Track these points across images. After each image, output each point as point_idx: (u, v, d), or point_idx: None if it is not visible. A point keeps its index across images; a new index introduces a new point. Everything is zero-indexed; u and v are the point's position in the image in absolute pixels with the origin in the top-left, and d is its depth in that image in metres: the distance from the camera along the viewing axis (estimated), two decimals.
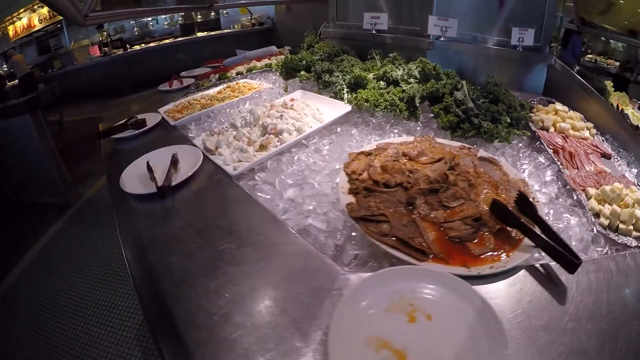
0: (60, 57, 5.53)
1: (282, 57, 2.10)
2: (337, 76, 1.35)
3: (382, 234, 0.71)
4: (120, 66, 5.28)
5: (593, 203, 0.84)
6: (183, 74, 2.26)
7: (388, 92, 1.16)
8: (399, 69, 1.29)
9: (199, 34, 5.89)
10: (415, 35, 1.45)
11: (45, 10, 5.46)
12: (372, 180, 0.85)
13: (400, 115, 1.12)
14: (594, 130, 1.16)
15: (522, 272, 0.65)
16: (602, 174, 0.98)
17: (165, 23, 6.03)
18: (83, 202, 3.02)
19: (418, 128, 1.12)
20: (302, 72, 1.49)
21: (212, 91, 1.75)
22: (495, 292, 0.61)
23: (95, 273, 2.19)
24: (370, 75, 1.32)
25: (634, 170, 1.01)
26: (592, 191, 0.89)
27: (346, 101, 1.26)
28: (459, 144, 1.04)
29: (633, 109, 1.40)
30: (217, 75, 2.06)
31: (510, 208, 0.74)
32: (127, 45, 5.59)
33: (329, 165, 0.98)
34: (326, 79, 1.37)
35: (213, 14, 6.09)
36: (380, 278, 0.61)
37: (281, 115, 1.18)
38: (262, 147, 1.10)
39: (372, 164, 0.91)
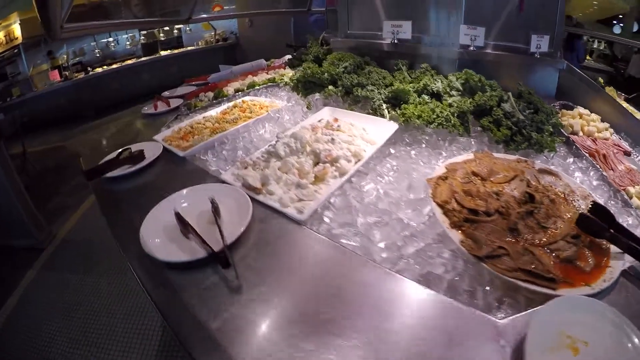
0: (18, 83, 5.25)
1: (285, 70, 2.00)
2: (372, 90, 1.30)
3: (508, 268, 0.69)
4: (84, 90, 5.19)
5: (637, 201, 0.91)
6: (165, 94, 2.11)
7: (438, 107, 1.14)
8: (437, 81, 1.27)
9: (163, 53, 5.93)
10: (439, 45, 1.45)
11: (0, 34, 5.14)
12: (466, 209, 0.81)
13: (454, 131, 1.09)
14: (611, 130, 1.25)
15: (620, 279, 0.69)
16: (633, 172, 1.08)
17: (127, 43, 6.03)
18: (58, 243, 2.70)
19: (473, 143, 1.10)
20: (330, 87, 1.38)
21: (215, 112, 1.60)
22: (611, 303, 0.61)
23: (78, 329, 1.88)
24: (411, 89, 1.25)
25: None
26: (632, 190, 0.98)
27: (388, 118, 1.21)
28: (514, 157, 1.05)
29: (621, 101, 1.67)
30: (207, 94, 1.88)
31: (599, 220, 0.74)
32: (89, 68, 5.50)
33: (404, 194, 0.91)
34: (359, 94, 1.30)
35: (176, 31, 6.14)
36: (541, 319, 0.59)
37: (332, 139, 1.07)
38: (318, 179, 0.97)
39: (454, 189, 0.86)
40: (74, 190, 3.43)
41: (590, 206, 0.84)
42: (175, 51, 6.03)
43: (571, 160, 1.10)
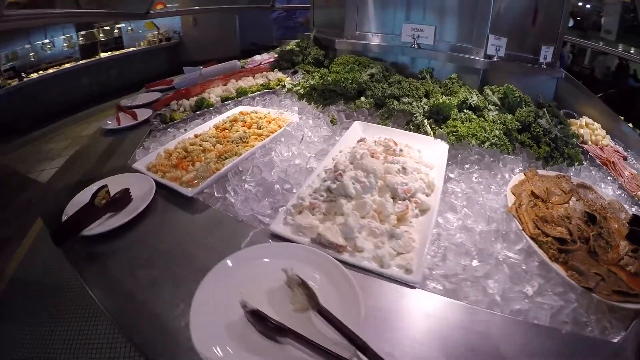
0: None
1: (277, 74, 1.83)
2: (410, 103, 1.24)
3: (608, 292, 0.73)
4: (18, 99, 4.61)
5: None
6: (125, 102, 1.77)
7: (488, 125, 1.15)
8: (473, 95, 1.28)
9: (103, 55, 5.60)
10: (463, 53, 1.45)
11: None
12: (551, 237, 0.84)
13: (504, 150, 1.11)
14: (608, 136, 1.41)
15: None
16: (637, 177, 1.23)
17: (65, 45, 5.53)
18: (6, 284, 2.14)
19: (517, 160, 1.14)
20: (362, 99, 1.26)
21: (206, 127, 1.35)
22: None
23: None
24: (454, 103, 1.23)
25: None
26: None
27: (433, 135, 1.17)
28: (554, 173, 1.11)
29: None
30: (181, 103, 1.59)
31: None
32: (23, 74, 4.88)
33: (486, 227, 0.89)
34: (395, 107, 1.23)
35: (116, 31, 5.92)
36: None
37: (403, 168, 0.95)
38: (398, 221, 0.86)
39: (533, 218, 0.88)
40: (16, 217, 2.74)
41: (630, 218, 1.03)
42: (117, 52, 5.73)
43: (594, 171, 1.22)
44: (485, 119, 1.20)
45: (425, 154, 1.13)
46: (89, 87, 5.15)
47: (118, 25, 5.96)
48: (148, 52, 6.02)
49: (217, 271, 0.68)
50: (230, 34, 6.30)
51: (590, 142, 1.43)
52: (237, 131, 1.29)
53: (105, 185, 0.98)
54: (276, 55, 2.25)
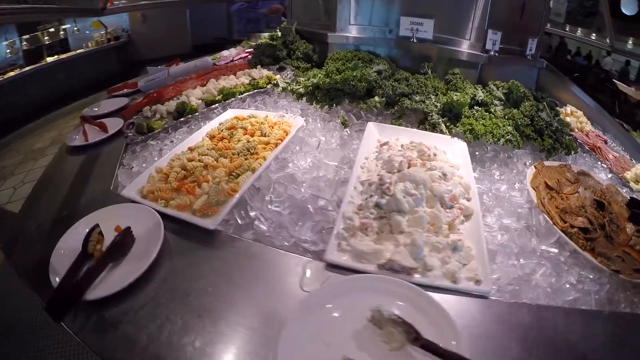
0: None
1: (264, 72, 1.74)
2: (423, 101, 1.24)
3: (631, 272, 0.83)
4: None
5: (636, 185, 1.21)
6: (87, 112, 1.57)
7: (501, 121, 1.20)
8: (478, 90, 1.33)
9: (49, 59, 5.24)
10: (461, 47, 1.50)
11: None
12: (576, 227, 0.93)
13: (516, 145, 1.18)
14: (589, 122, 1.55)
15: None
16: (620, 159, 1.39)
17: (8, 52, 5.06)
18: None
19: (525, 154, 1.22)
20: (376, 98, 1.22)
21: (199, 138, 1.23)
22: None
23: None
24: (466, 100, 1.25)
25: (623, 148, 1.46)
26: (627, 175, 1.27)
27: (448, 134, 1.20)
28: (557, 163, 1.21)
29: None
30: (155, 108, 1.44)
31: None
32: None
33: (518, 225, 0.94)
34: (409, 106, 1.21)
35: (62, 33, 5.64)
36: None
37: (444, 174, 0.95)
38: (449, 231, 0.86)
39: (557, 210, 0.96)
40: None
41: (628, 201, 1.18)
42: (64, 56, 5.39)
43: (587, 158, 1.34)
44: (494, 115, 1.27)
45: (448, 155, 1.14)
46: (37, 95, 4.81)
47: (63, 26, 5.69)
48: (97, 53, 5.82)
49: (291, 329, 0.59)
50: (182, 29, 6.30)
51: (576, 130, 1.61)
52: (239, 140, 1.18)
53: (97, 226, 0.81)
54: (249, 50, 2.15)
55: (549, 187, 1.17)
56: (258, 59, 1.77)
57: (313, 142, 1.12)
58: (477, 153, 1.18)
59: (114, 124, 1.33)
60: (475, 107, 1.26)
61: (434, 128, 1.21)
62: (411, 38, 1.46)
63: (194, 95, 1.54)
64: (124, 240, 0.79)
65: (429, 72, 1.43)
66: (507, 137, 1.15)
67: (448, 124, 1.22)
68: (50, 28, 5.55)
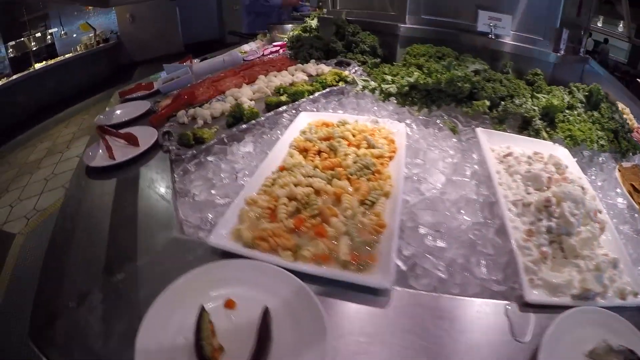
0: None
1: (320, 66, 1.54)
2: (522, 104, 1.18)
3: None
4: None
5: None
6: (101, 120, 1.31)
7: (597, 127, 1.22)
8: (565, 94, 1.32)
9: (37, 66, 5.18)
10: (532, 44, 1.45)
11: None
12: None
13: (607, 149, 1.20)
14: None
15: None
16: None
17: None
18: None
19: (608, 157, 1.23)
20: (484, 101, 1.15)
21: (282, 151, 1.03)
22: None
23: None
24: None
25: None
26: None
27: (549, 139, 1.17)
28: (630, 164, 1.23)
29: None
30: (193, 113, 1.20)
31: None
32: None
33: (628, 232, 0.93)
34: (511, 110, 1.16)
35: (49, 38, 5.66)
36: None
37: (583, 188, 0.92)
38: None
39: None
40: None
41: None
42: (52, 62, 5.33)
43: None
44: (584, 119, 1.30)
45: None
46: (27, 104, 4.75)
47: (50, 30, 5.68)
48: (87, 56, 5.75)
49: None
50: (172, 28, 6.32)
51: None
52: (346, 155, 1.04)
53: (204, 310, 0.56)
54: (279, 44, 1.94)
55: (636, 189, 1.23)
56: (307, 53, 1.57)
57: (435, 155, 1.02)
58: (575, 159, 1.19)
59: (144, 135, 1.08)
60: (566, 111, 1.26)
61: (537, 134, 1.18)
62: (489, 34, 1.39)
63: (244, 96, 1.31)
64: (267, 329, 0.56)
65: (510, 71, 1.40)
66: (601, 142, 1.18)
67: (548, 130, 1.21)
68: (36, 33, 5.48)
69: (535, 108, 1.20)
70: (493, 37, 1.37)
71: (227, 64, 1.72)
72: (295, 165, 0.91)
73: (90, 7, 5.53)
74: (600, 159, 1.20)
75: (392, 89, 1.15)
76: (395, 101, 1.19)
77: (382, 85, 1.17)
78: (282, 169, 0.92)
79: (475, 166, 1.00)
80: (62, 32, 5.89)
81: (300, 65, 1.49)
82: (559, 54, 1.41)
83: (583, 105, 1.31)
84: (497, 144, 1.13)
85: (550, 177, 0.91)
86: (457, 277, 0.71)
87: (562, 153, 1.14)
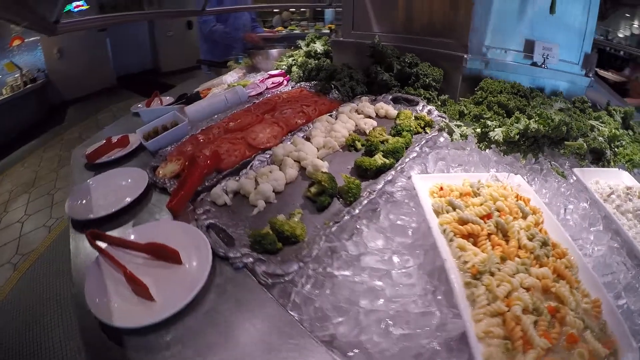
0: None
1: (363, 105, 1.43)
2: (595, 138, 1.26)
3: None
4: None
5: None
6: (78, 213, 1.00)
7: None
8: (607, 117, 1.43)
9: None
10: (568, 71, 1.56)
11: None
12: None
13: None
14: None
15: None
16: None
17: None
18: None
19: None
20: (580, 141, 1.19)
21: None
22: None
23: None
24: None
25: None
26: None
27: (615, 166, 1.27)
28: None
29: None
30: (224, 185, 1.03)
31: None
32: None
33: None
34: (591, 144, 1.24)
35: None
36: None
37: None
38: None
39: None
40: None
41: None
42: None
43: None
44: (630, 141, 1.50)
45: None
46: None
47: None
48: (11, 100, 5.19)
49: None
50: (102, 61, 6.19)
51: None
52: (513, 230, 0.97)
53: None
54: (276, 73, 1.73)
55: None
56: (348, 87, 1.42)
57: (577, 208, 1.06)
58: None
59: (180, 240, 0.81)
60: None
61: (608, 164, 1.33)
62: (542, 64, 1.47)
63: (310, 154, 1.12)
64: None
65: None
66: None
67: (613, 157, 1.37)
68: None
69: (601, 139, 1.31)
70: (545, 67, 1.43)
71: (230, 103, 1.45)
72: (487, 263, 0.82)
73: (14, 44, 5.19)
74: None
75: (498, 136, 1.12)
76: (498, 149, 1.16)
77: (492, 135, 1.13)
78: (475, 271, 0.82)
79: (598, 214, 1.05)
80: None
81: (352, 104, 1.32)
82: (591, 77, 1.55)
83: (620, 126, 1.50)
84: (587, 180, 1.21)
85: None
86: None
87: (627, 177, 1.28)
